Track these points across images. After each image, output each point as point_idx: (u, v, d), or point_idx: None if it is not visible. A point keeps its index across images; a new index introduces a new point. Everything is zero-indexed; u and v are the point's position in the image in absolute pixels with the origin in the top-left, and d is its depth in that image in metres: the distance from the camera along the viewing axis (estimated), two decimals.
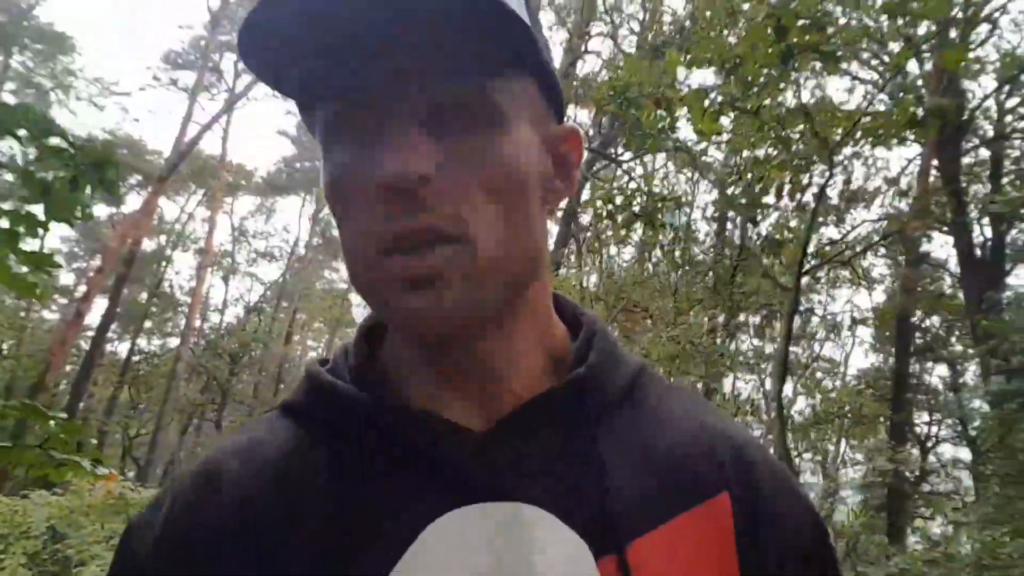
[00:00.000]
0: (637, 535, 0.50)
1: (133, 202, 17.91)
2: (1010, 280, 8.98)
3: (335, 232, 0.62)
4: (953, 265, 11.13)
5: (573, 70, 11.25)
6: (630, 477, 0.52)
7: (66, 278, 22.58)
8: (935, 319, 13.58)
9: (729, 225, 11.54)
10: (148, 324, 22.08)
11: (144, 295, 22.30)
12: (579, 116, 12.16)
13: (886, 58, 8.49)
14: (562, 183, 0.56)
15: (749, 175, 7.11)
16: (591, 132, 11.53)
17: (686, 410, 0.59)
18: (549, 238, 0.59)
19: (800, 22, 5.00)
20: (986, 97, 9.57)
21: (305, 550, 0.48)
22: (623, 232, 8.35)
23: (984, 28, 8.31)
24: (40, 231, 1.75)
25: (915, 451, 12.67)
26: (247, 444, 0.55)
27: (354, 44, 0.46)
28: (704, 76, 14.55)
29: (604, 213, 7.87)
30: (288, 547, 0.49)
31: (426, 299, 0.47)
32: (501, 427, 0.52)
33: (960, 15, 7.09)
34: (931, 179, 10.43)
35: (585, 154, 0.64)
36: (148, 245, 20.67)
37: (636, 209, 7.62)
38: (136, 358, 20.41)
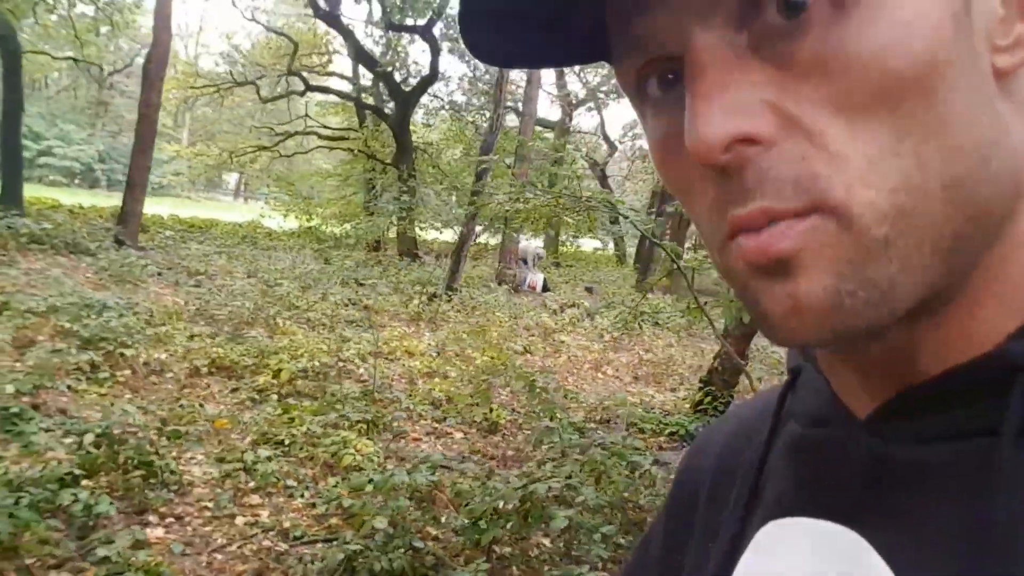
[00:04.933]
0: None
1: None
2: None
3: None
4: None
5: None
6: None
7: None
8: None
9: None
10: None
11: None
12: None
13: None
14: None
15: None
16: None
17: None
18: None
19: None
20: None
21: (705, 517, 0.48)
22: None
23: None
24: None
25: None
26: (742, 403, 0.55)
27: None
28: None
29: None
30: (698, 510, 0.49)
31: None
32: (874, 417, 0.36)
33: None
34: None
35: None
36: None
37: None
38: None
